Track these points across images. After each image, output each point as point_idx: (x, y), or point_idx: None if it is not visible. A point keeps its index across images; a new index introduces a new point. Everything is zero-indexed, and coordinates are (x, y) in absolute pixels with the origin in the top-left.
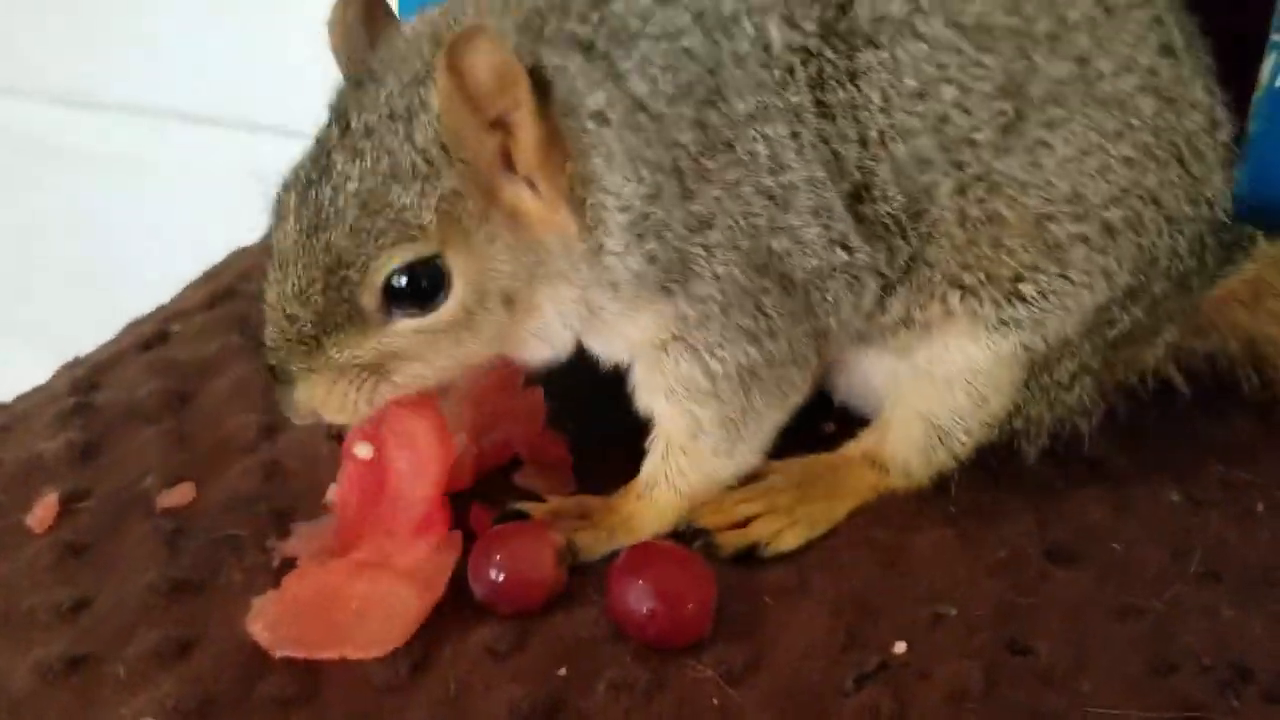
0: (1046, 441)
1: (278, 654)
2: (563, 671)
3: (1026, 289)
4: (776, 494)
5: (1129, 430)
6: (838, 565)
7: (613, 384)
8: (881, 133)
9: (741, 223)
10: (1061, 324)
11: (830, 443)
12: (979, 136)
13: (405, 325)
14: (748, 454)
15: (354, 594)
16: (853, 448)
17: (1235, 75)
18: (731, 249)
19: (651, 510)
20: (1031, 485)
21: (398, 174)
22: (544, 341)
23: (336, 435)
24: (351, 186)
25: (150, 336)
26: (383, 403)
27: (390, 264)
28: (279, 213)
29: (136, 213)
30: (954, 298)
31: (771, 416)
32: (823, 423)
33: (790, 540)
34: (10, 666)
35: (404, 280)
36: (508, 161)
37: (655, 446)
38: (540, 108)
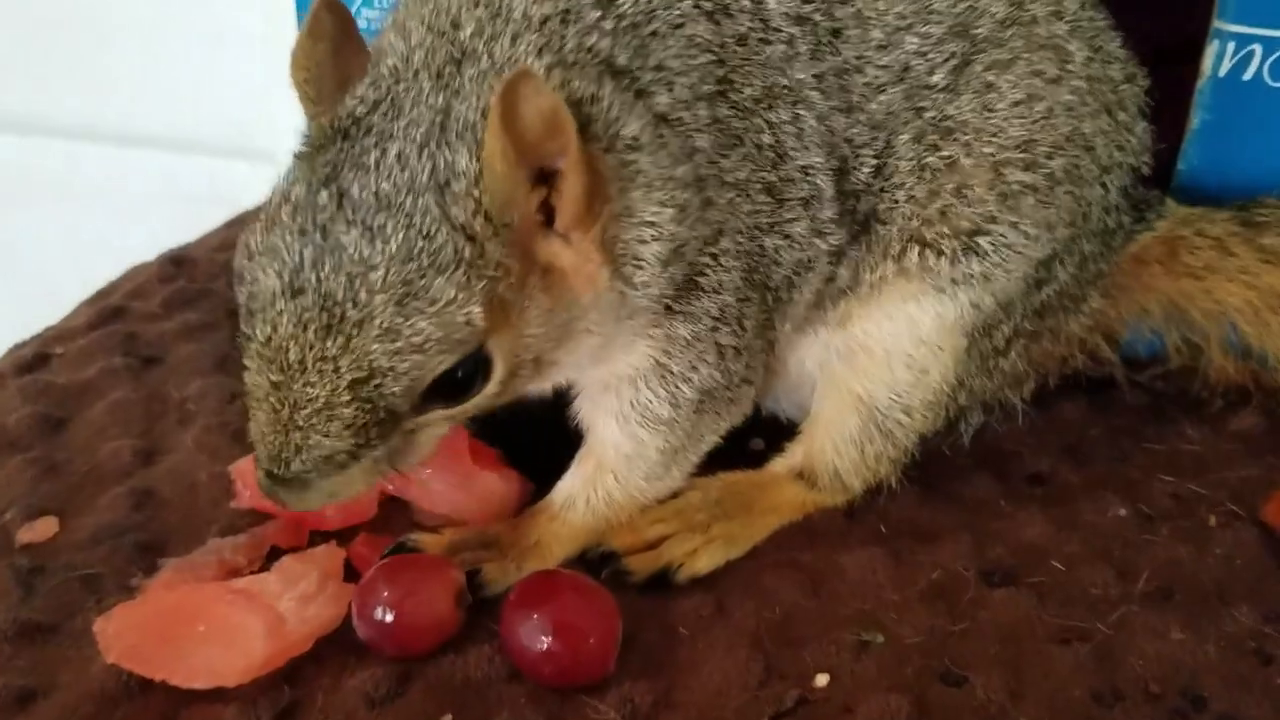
0: (982, 419)
1: (109, 660)
2: (447, 718)
3: (983, 241)
4: (693, 512)
5: (1074, 444)
6: (758, 590)
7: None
8: (861, 93)
9: (747, 223)
10: (1007, 280)
11: (759, 461)
12: (934, 79)
13: (437, 415)
14: (678, 478)
15: (207, 618)
16: (779, 463)
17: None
18: (735, 256)
19: (566, 531)
20: (969, 502)
21: (438, 262)
22: (550, 382)
23: None
24: (377, 279)
25: (30, 359)
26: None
27: (436, 371)
28: (257, 295)
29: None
30: (912, 254)
31: (710, 440)
32: (750, 440)
33: (706, 561)
34: None
35: (444, 378)
36: (545, 216)
37: (580, 466)
38: (583, 150)
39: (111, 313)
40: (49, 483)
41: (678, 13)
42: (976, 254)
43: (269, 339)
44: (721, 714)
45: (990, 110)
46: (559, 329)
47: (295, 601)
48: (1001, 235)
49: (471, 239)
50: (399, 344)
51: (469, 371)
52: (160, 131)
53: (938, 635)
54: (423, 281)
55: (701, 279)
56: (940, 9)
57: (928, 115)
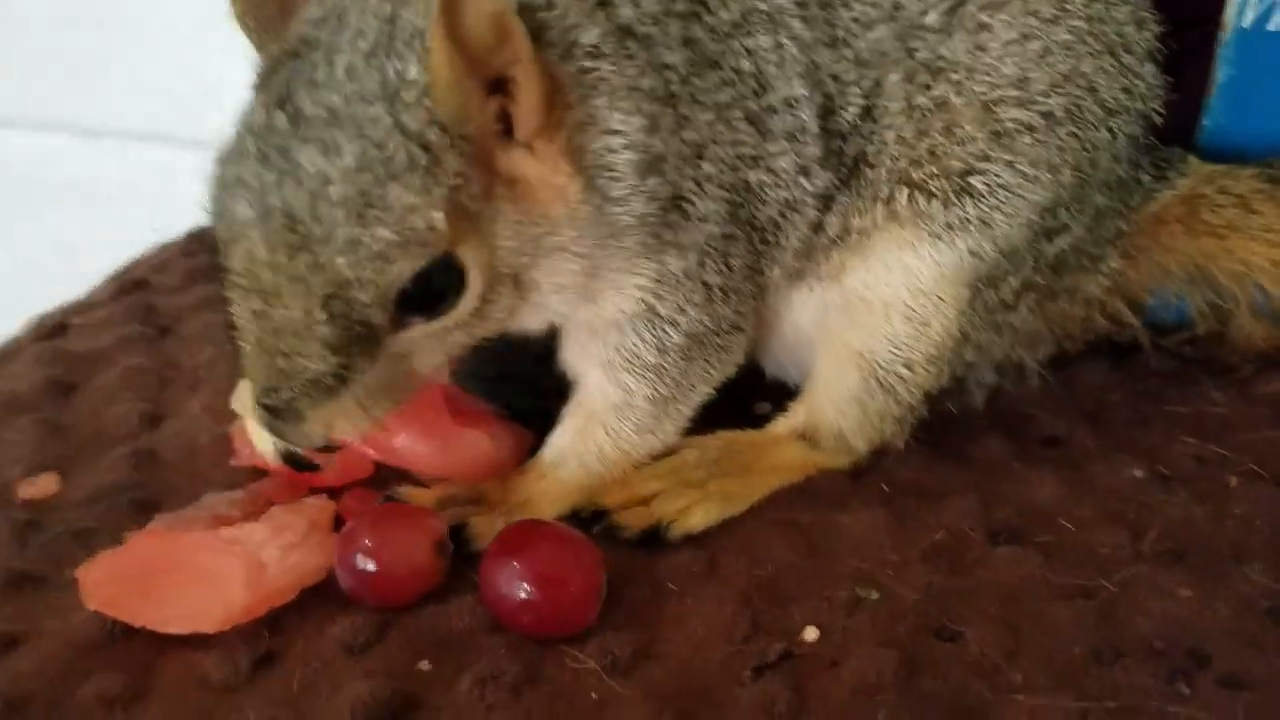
0: (994, 379)
1: (90, 608)
2: (425, 665)
3: (976, 182)
4: (689, 470)
5: (1095, 408)
6: (753, 548)
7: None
8: (847, 29)
9: (729, 151)
10: (1009, 226)
11: (764, 424)
12: (928, 20)
13: (418, 330)
14: (670, 432)
15: (189, 565)
16: (780, 423)
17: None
18: (718, 185)
19: (557, 489)
20: (980, 464)
21: (392, 169)
22: (539, 314)
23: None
24: (335, 191)
25: (50, 328)
26: (399, 405)
27: (403, 277)
28: (229, 226)
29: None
30: (901, 196)
31: (702, 390)
32: (756, 403)
33: (699, 519)
34: None
35: (416, 287)
36: (505, 126)
37: (570, 420)
38: (538, 56)
39: (133, 285)
40: (55, 442)
41: None
42: (970, 195)
43: (246, 268)
44: (704, 666)
45: (982, 49)
46: (533, 244)
47: (279, 550)
48: (996, 175)
49: (426, 148)
50: (361, 253)
51: (441, 282)
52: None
53: (935, 593)
54: (379, 191)
55: (687, 206)
56: None
57: (919, 56)
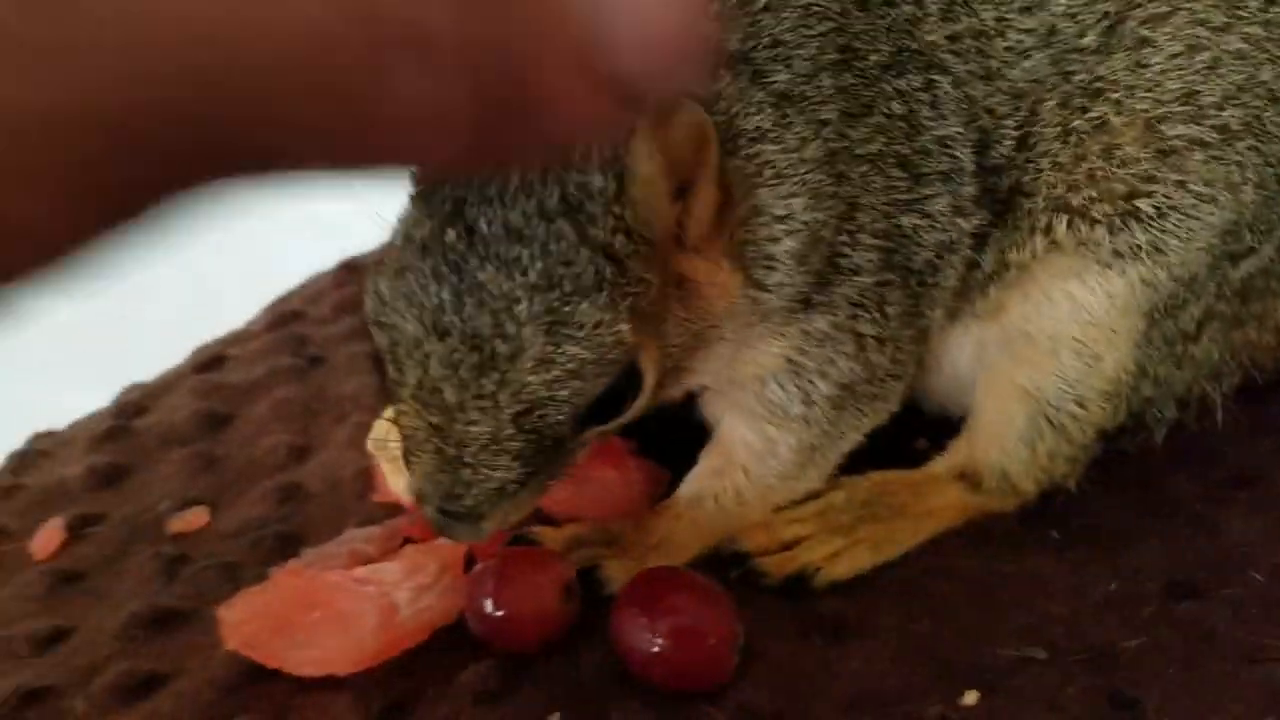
0: (1175, 415)
1: (229, 647)
2: (556, 717)
3: (1143, 205)
4: (836, 513)
5: None
6: (907, 599)
7: None
8: (1001, 59)
9: (882, 199)
10: (1185, 251)
11: (921, 463)
12: (1085, 41)
13: (594, 433)
14: (815, 478)
15: (323, 606)
16: (939, 463)
17: None
18: (871, 234)
19: (693, 531)
20: (1161, 506)
21: (581, 285)
22: (683, 387)
23: None
24: (522, 311)
25: (208, 360)
26: None
27: (595, 391)
28: (400, 341)
29: None
30: (1060, 225)
31: (851, 438)
32: (914, 439)
33: (846, 567)
34: None
35: (601, 397)
36: (680, 230)
37: (709, 460)
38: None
39: (288, 316)
40: (206, 475)
41: None
42: (1138, 219)
43: (420, 382)
44: None
45: (1145, 65)
46: (695, 337)
47: (411, 591)
48: (1166, 196)
49: (612, 258)
50: (555, 372)
51: (621, 388)
52: None
53: (1109, 652)
54: (568, 308)
55: (840, 259)
56: None
57: (1076, 79)
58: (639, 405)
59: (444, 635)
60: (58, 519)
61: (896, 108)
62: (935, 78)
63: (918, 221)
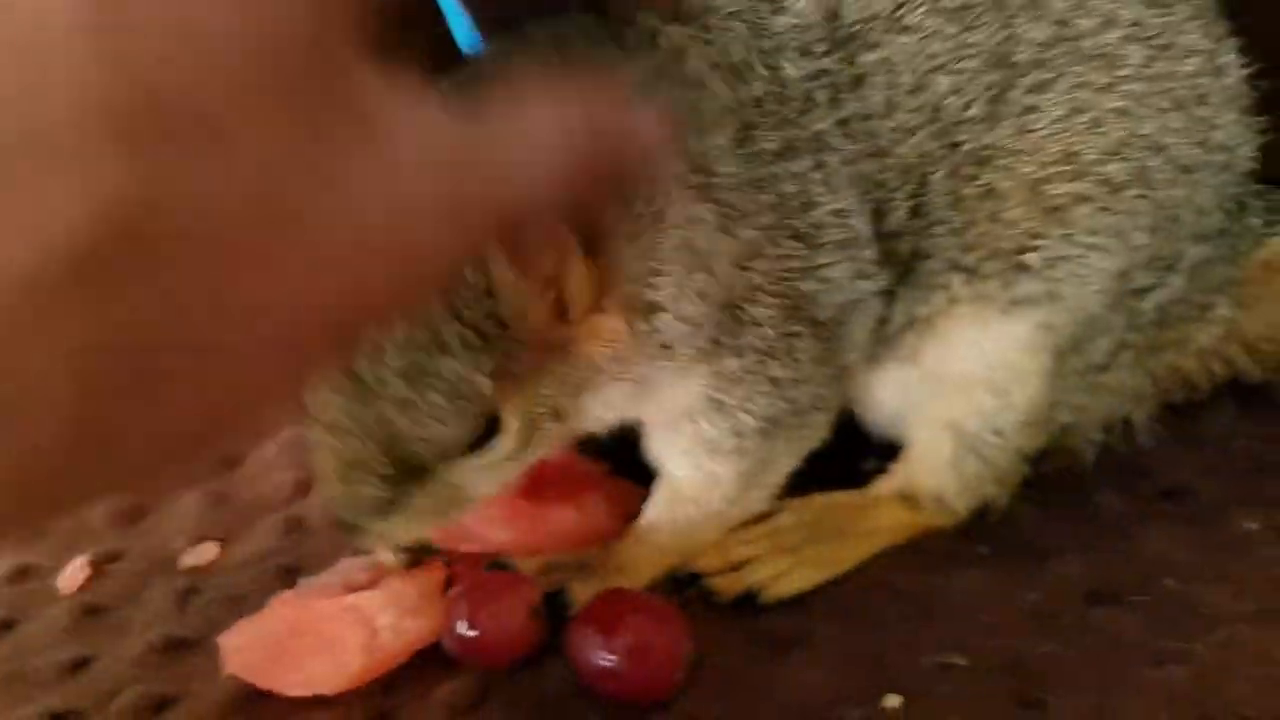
0: (1100, 437)
1: (228, 671)
2: None
3: (1031, 259)
4: (785, 534)
5: (1217, 457)
6: (847, 612)
7: None
8: (890, 135)
9: (777, 265)
10: (1080, 295)
11: (870, 483)
12: (970, 113)
13: (467, 465)
14: (759, 499)
15: (314, 632)
16: (883, 484)
17: None
18: (771, 294)
19: (652, 555)
20: (1090, 520)
21: (442, 346)
22: (597, 424)
23: None
24: (392, 361)
25: None
26: (464, 516)
27: (456, 435)
28: None
29: None
30: (957, 282)
31: (787, 463)
32: (862, 461)
33: (793, 585)
34: None
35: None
36: (559, 309)
37: (660, 493)
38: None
39: None
40: (217, 512)
41: (697, 72)
42: (1028, 271)
43: (323, 410)
44: None
45: (1030, 131)
46: (576, 385)
47: (393, 616)
48: (1050, 249)
49: (483, 336)
50: (416, 415)
51: (486, 431)
52: None
53: (1024, 658)
54: (431, 361)
55: (740, 313)
56: (976, 42)
57: (964, 148)
58: (505, 448)
59: (424, 656)
60: (82, 557)
61: (789, 188)
62: (825, 158)
63: (818, 286)
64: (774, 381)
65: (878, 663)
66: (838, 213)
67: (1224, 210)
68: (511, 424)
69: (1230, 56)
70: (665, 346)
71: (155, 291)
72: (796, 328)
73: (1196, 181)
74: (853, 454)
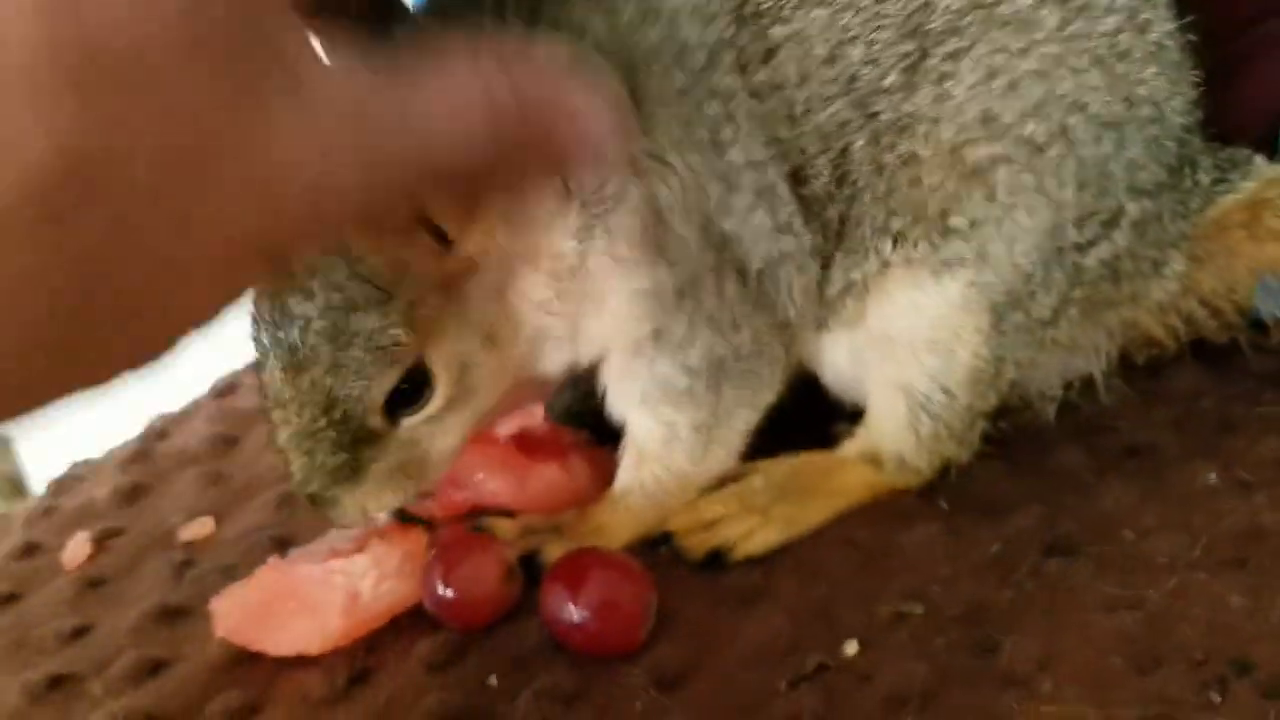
0: (1059, 392)
1: (219, 635)
2: (493, 681)
3: (955, 221)
4: (753, 495)
5: (1182, 414)
6: (808, 567)
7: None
8: (805, 104)
9: (694, 193)
10: (1009, 254)
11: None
12: (886, 83)
13: (412, 422)
14: (722, 457)
15: (298, 595)
16: (849, 446)
17: None
18: (691, 217)
19: (625, 518)
20: (1052, 476)
21: (355, 304)
22: (549, 358)
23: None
24: (315, 326)
25: (223, 388)
26: (433, 480)
27: (386, 387)
28: (260, 352)
29: None
30: (885, 246)
31: (743, 415)
32: (835, 424)
33: (760, 542)
34: (6, 686)
35: (397, 392)
36: (439, 240)
37: (627, 456)
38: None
39: None
40: (215, 490)
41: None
42: (954, 234)
43: (270, 385)
44: (745, 680)
45: (948, 97)
46: (493, 322)
47: (374, 579)
48: (974, 211)
49: (379, 287)
50: (344, 372)
51: (418, 381)
52: None
53: (979, 606)
54: (347, 320)
55: (668, 216)
56: (890, 13)
57: (883, 117)
58: (441, 396)
59: (405, 617)
60: (85, 533)
61: (700, 128)
62: (733, 110)
63: (739, 229)
64: (710, 320)
65: (837, 613)
66: (751, 163)
67: (1162, 164)
68: (440, 373)
69: (1157, 12)
70: (585, 261)
71: (106, 219)
72: (724, 266)
73: (1123, 137)
74: (824, 419)
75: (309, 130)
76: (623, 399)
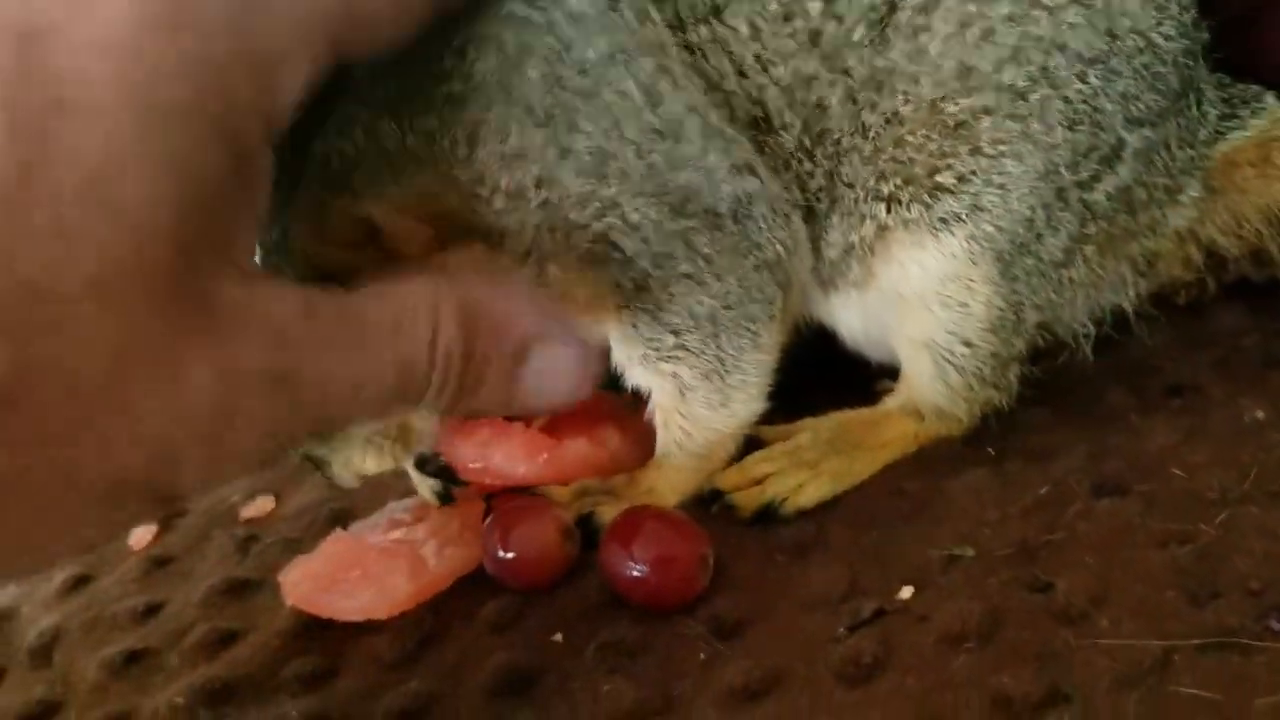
0: (1093, 330)
1: (289, 603)
2: (558, 638)
3: (944, 179)
4: (803, 451)
5: (1225, 353)
6: (859, 517)
7: None
8: (757, 59)
9: (637, 164)
10: (1005, 202)
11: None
12: (856, 37)
13: None
14: (745, 401)
15: (365, 564)
16: (890, 400)
17: None
18: (638, 195)
19: (673, 477)
20: (1097, 418)
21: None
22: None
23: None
24: None
25: None
26: (418, 440)
27: None
28: None
29: None
30: (880, 211)
31: (751, 358)
32: (879, 382)
33: (811, 495)
34: (86, 663)
35: None
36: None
37: (656, 419)
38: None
39: None
40: (272, 471)
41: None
42: (945, 191)
43: None
44: (803, 627)
45: (923, 51)
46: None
47: (436, 546)
48: (962, 164)
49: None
50: None
51: None
52: None
53: (1030, 547)
54: None
55: (609, 221)
56: None
57: (857, 73)
58: None
59: (468, 580)
60: None
61: (631, 86)
62: (667, 63)
63: (695, 176)
64: (684, 278)
65: (889, 559)
66: (691, 108)
67: (1160, 92)
68: None
69: None
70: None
71: (5, 443)
72: (688, 222)
73: (1111, 70)
74: (867, 377)
75: (222, 388)
76: (628, 366)
